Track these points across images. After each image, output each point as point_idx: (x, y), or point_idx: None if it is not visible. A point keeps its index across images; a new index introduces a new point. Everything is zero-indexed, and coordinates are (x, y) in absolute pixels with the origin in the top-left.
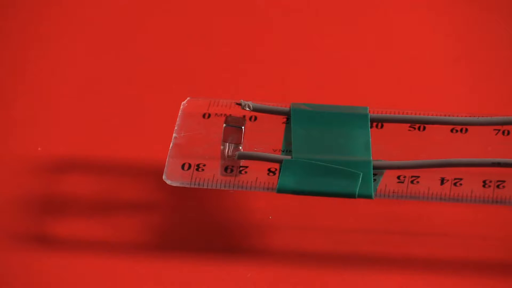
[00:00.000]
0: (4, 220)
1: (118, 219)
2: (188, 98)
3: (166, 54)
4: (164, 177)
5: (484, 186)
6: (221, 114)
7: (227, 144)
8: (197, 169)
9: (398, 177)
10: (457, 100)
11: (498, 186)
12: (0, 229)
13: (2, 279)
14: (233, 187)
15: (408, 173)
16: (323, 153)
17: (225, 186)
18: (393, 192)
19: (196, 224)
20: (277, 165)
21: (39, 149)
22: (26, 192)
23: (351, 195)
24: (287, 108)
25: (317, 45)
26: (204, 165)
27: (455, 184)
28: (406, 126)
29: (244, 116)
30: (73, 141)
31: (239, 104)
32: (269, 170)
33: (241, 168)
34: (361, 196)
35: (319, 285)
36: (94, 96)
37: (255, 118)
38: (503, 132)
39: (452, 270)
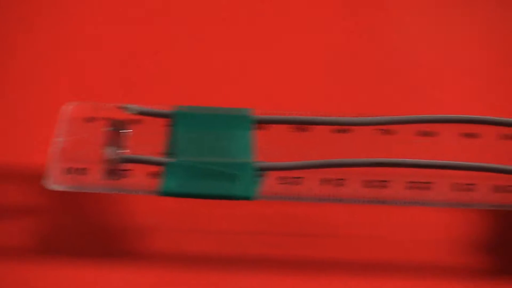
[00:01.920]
0: None
1: None
2: (70, 102)
3: (46, 56)
4: (44, 181)
5: (366, 186)
6: (104, 118)
7: (110, 147)
8: (78, 173)
9: (281, 178)
10: (340, 100)
11: (381, 186)
12: None
13: None
14: (116, 190)
15: (291, 174)
16: (206, 155)
17: (107, 189)
18: (276, 194)
19: (77, 228)
20: (160, 168)
21: None
22: None
23: (231, 197)
24: (170, 111)
25: (202, 47)
26: (86, 169)
27: (337, 184)
28: (291, 127)
29: (127, 120)
30: None
31: (123, 108)
32: (152, 173)
33: (123, 172)
34: (241, 198)
35: None
36: None
37: (139, 122)
38: (386, 132)
39: (342, 271)
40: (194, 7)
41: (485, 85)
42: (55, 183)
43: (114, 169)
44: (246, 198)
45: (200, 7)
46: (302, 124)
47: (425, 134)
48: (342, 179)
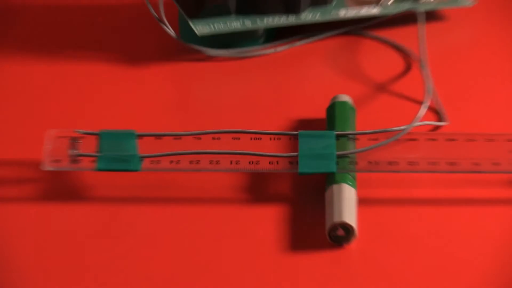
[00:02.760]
0: None
1: None
2: (51, 129)
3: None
4: (41, 166)
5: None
6: (67, 136)
7: (71, 150)
8: (57, 162)
9: (151, 162)
10: None
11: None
12: None
13: None
14: (74, 169)
15: (155, 159)
16: (116, 151)
17: (70, 169)
18: (148, 168)
19: (58, 189)
20: (95, 158)
21: None
22: None
23: (128, 170)
24: (98, 132)
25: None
26: (61, 160)
27: (175, 162)
28: (152, 138)
29: (77, 136)
30: None
31: (76, 131)
32: (91, 160)
33: (78, 160)
34: (133, 170)
35: None
36: None
37: (83, 137)
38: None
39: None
40: None
41: None
42: (46, 167)
43: (74, 159)
44: (135, 170)
45: None
46: (157, 136)
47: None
48: (197, 161)
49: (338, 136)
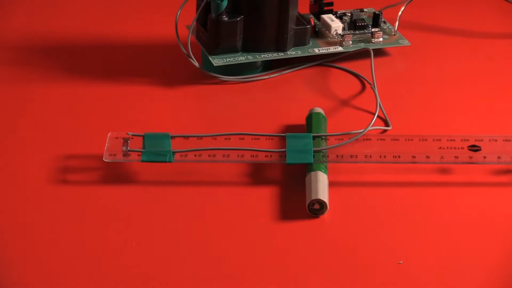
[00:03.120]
0: None
1: None
2: (110, 132)
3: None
4: (104, 157)
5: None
6: (121, 137)
7: (124, 147)
8: (114, 155)
9: (181, 155)
10: None
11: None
12: None
13: None
14: (126, 160)
15: (185, 153)
16: (156, 148)
17: (124, 160)
18: (180, 160)
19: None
20: (139, 153)
21: None
22: None
23: (166, 161)
24: (143, 134)
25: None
26: (116, 154)
27: (198, 156)
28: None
29: (129, 137)
30: None
31: (129, 134)
32: (138, 154)
33: (128, 155)
34: (169, 161)
35: None
36: None
37: (132, 138)
38: None
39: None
40: None
41: None
42: (106, 159)
43: (126, 154)
44: (170, 161)
45: None
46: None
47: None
48: (213, 155)
49: (314, 137)
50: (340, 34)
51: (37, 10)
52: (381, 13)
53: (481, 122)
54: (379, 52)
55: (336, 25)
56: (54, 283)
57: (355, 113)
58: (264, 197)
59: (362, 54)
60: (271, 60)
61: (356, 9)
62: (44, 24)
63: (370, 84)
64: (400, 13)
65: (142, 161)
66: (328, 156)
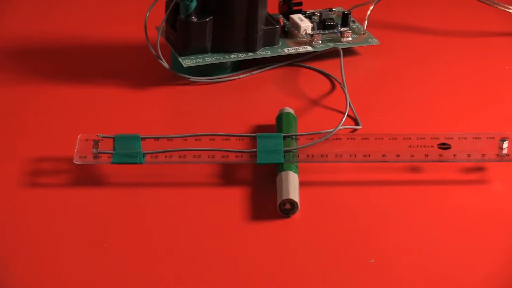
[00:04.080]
0: None
1: None
2: (81, 134)
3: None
4: (74, 160)
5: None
6: (91, 139)
7: (94, 148)
8: (84, 158)
9: (151, 156)
10: None
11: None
12: None
13: None
14: (96, 162)
15: (155, 155)
16: (127, 150)
17: (93, 163)
18: (150, 161)
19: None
20: (110, 155)
21: None
22: None
23: (135, 163)
24: (114, 136)
25: None
26: (86, 156)
27: (167, 157)
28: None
29: (99, 139)
30: None
31: (99, 136)
32: (108, 156)
33: (99, 156)
34: (138, 163)
35: None
36: None
37: (102, 140)
38: None
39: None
40: None
41: None
42: (76, 161)
43: (96, 156)
44: (140, 163)
45: None
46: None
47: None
48: (184, 156)
49: (285, 137)
50: (309, 33)
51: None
52: (350, 12)
53: (450, 120)
54: (348, 52)
55: (305, 25)
56: (23, 285)
57: (325, 113)
58: (235, 198)
59: (332, 54)
60: (240, 60)
61: (325, 9)
62: (13, 26)
63: (339, 83)
64: (369, 12)
65: (113, 163)
66: (298, 156)
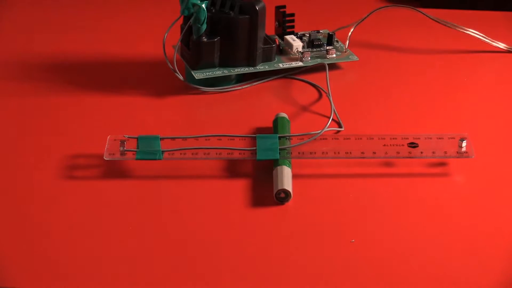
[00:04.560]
0: None
1: None
2: (110, 135)
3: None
4: (104, 157)
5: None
6: (119, 139)
7: (121, 147)
8: (112, 155)
9: (169, 153)
10: None
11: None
12: None
13: None
14: (123, 159)
15: (172, 152)
16: (147, 148)
17: (121, 159)
18: (169, 157)
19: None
20: (134, 153)
21: None
22: None
23: (156, 159)
24: (137, 136)
25: None
26: (114, 153)
27: (186, 155)
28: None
29: (125, 139)
30: None
31: (126, 136)
32: (133, 153)
33: (125, 154)
34: (158, 159)
35: None
36: None
37: (128, 140)
38: None
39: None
40: None
41: None
42: (106, 157)
43: (123, 153)
44: (159, 159)
45: None
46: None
47: None
48: (196, 153)
49: (280, 137)
50: (300, 51)
51: (29, 27)
52: (334, 33)
53: (418, 123)
54: (333, 66)
55: (297, 44)
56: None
57: (314, 117)
58: (238, 188)
59: (319, 68)
60: (243, 73)
61: (314, 31)
62: (47, 42)
63: (325, 92)
64: (349, 33)
65: (137, 159)
66: (291, 153)
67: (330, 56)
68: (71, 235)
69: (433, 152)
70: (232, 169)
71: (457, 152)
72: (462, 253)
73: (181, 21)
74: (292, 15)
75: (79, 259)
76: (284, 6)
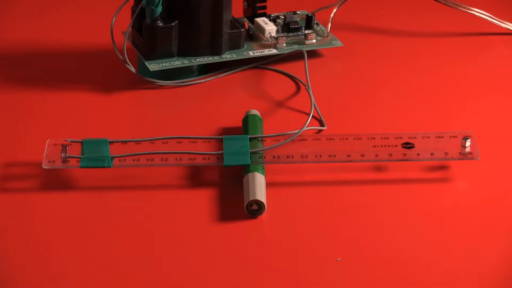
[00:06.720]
0: None
1: None
2: (49, 138)
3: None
4: (42, 164)
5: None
6: (59, 144)
7: (62, 153)
8: (52, 162)
9: (119, 160)
10: None
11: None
12: None
13: None
14: (65, 167)
15: (123, 158)
16: (95, 154)
17: (62, 167)
18: (117, 165)
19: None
20: (78, 159)
21: None
22: None
23: (104, 166)
24: (82, 140)
25: None
26: (55, 161)
27: (136, 160)
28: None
29: (68, 143)
30: None
31: (68, 140)
32: (77, 160)
33: (67, 160)
34: (107, 166)
35: None
36: None
37: (70, 144)
38: None
39: None
40: None
41: None
42: (45, 166)
43: (64, 160)
44: (108, 167)
45: None
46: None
47: None
48: (151, 159)
49: (251, 139)
50: (274, 36)
51: None
52: (314, 15)
53: (414, 120)
54: (312, 54)
55: (270, 28)
56: None
57: (291, 114)
58: (203, 199)
59: (296, 56)
60: (206, 64)
61: (289, 12)
62: None
63: (304, 85)
64: (332, 14)
65: (81, 167)
66: (265, 157)
67: (309, 41)
68: (3, 257)
69: (432, 154)
70: (195, 177)
71: (460, 153)
72: (468, 276)
73: (131, 2)
74: None
75: (11, 284)
76: None
